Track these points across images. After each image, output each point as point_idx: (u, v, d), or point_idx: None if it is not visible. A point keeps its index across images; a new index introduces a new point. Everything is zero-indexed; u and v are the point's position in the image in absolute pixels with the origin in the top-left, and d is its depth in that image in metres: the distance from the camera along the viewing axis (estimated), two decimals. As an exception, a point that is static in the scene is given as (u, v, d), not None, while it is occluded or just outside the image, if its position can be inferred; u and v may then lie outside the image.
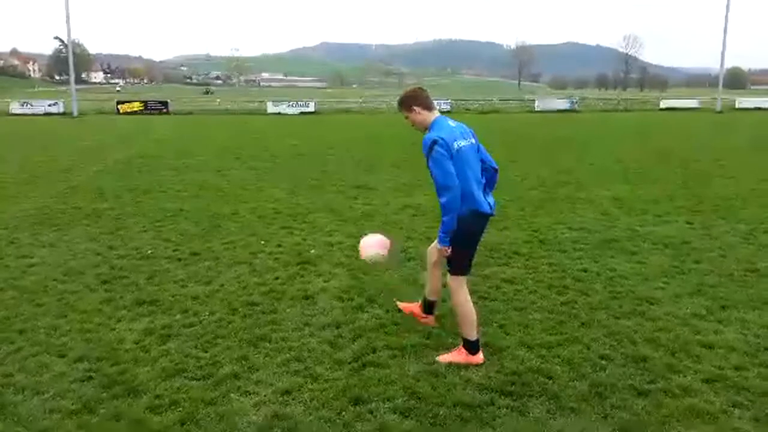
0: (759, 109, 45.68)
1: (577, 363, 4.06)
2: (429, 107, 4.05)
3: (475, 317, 4.11)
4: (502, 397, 3.65)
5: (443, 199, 3.84)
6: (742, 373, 3.92)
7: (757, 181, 11.62)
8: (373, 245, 4.57)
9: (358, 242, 4.82)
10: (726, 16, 44.29)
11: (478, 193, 4.00)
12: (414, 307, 4.82)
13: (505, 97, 60.97)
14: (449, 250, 3.98)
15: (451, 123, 4.07)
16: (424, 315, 4.71)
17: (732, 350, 4.26)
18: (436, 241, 4.14)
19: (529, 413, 3.48)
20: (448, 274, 4.16)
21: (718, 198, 9.90)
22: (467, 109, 46.14)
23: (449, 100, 47.89)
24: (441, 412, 3.48)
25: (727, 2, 43.67)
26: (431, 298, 4.64)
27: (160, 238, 7.44)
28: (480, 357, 4.08)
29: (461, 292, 4.11)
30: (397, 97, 4.19)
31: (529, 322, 4.80)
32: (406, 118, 4.11)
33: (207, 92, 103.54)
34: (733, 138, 21.97)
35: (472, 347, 4.07)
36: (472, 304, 4.15)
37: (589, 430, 3.31)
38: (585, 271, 6.10)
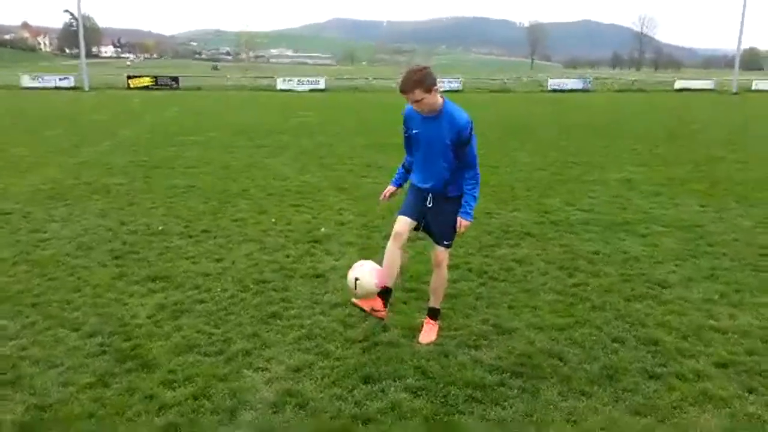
0: (775, 90, 44.97)
1: (588, 345, 4.05)
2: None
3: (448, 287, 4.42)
4: (513, 378, 3.66)
5: (475, 178, 3.98)
6: (756, 358, 3.90)
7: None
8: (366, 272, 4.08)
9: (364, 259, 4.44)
10: (745, -5, 43.38)
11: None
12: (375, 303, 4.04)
13: (517, 75, 60.27)
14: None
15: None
16: (383, 308, 4.05)
17: (746, 335, 4.23)
18: (405, 220, 4.08)
19: (540, 395, 3.48)
20: (443, 248, 4.13)
21: (731, 181, 9.78)
22: (478, 88, 45.71)
23: (459, 78, 47.43)
24: (452, 392, 3.49)
25: (746, -19, 42.72)
26: (392, 285, 4.17)
27: (171, 215, 7.46)
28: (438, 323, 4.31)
29: (447, 266, 4.27)
30: (404, 80, 3.76)
31: (539, 303, 4.79)
32: (418, 100, 3.74)
33: (214, 68, 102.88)
34: (748, 120, 21.66)
35: (437, 315, 4.27)
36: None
37: (600, 413, 3.30)
38: (596, 253, 6.06)
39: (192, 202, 8.12)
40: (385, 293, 4.03)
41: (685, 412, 3.31)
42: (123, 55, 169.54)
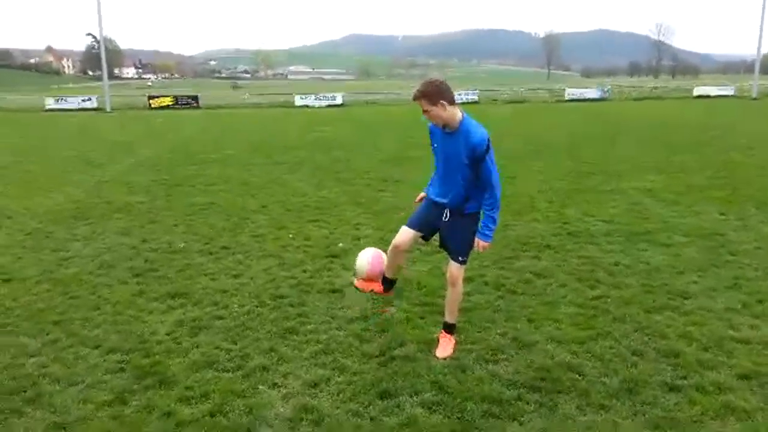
0: (798, 95, 44.25)
1: (607, 358, 4.00)
2: (453, 101, 3.91)
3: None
4: (531, 392, 3.62)
5: (494, 198, 3.92)
6: (780, 370, 3.81)
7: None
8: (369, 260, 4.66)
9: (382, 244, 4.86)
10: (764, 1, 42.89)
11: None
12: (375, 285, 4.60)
13: (534, 86, 60.14)
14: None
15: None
16: (382, 291, 4.58)
17: (769, 346, 4.14)
18: (407, 231, 4.21)
19: (558, 409, 3.44)
20: (458, 264, 4.11)
21: (752, 187, 9.63)
22: (494, 100, 45.69)
23: (476, 90, 47.46)
24: (468, 407, 3.46)
25: (765, -14, 42.26)
26: (396, 276, 4.58)
27: (191, 232, 7.55)
28: (454, 338, 4.29)
29: (462, 281, 4.24)
30: (416, 89, 3.93)
31: (559, 316, 4.74)
32: (426, 111, 3.87)
33: (234, 87, 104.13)
34: (766, 125, 21.31)
35: (453, 330, 4.26)
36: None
37: (619, 427, 3.25)
38: (617, 264, 5.99)
39: (212, 219, 8.21)
40: (387, 281, 4.48)
41: (705, 426, 3.25)
42: (144, 76, 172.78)
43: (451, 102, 3.87)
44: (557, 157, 13.80)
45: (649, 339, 4.28)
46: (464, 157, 3.85)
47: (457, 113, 3.88)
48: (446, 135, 3.95)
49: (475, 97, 44.38)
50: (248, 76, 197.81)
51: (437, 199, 4.13)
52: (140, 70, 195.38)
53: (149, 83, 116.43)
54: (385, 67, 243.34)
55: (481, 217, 4.01)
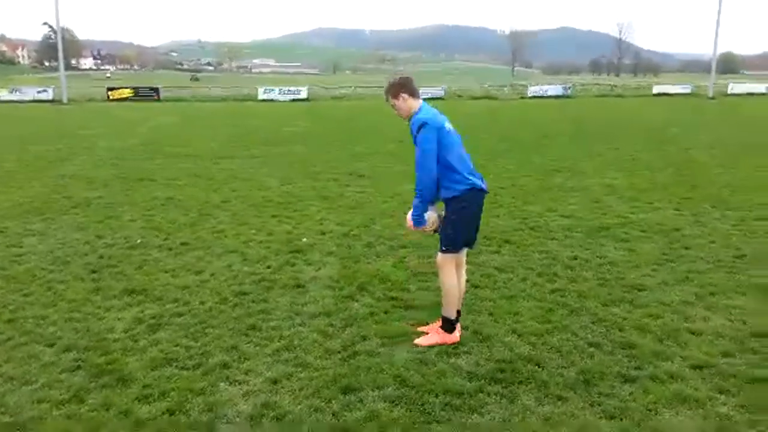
0: (751, 94, 45.83)
1: (566, 350, 4.08)
2: (415, 94, 4.10)
3: (458, 296, 4.21)
4: (492, 384, 3.67)
5: (419, 176, 3.98)
6: (730, 360, 3.95)
7: (748, 168, 11.64)
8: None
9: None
10: (719, 1, 44.19)
11: (472, 171, 4.10)
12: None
13: (499, 83, 60.74)
14: (427, 228, 4.14)
15: (434, 109, 4.16)
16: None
17: (720, 337, 4.29)
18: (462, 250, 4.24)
19: (517, 400, 3.49)
20: (439, 252, 4.16)
21: (709, 185, 9.93)
22: (460, 96, 46.00)
23: (443, 86, 47.70)
24: (430, 400, 3.49)
25: (720, -13, 43.53)
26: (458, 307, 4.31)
27: (150, 227, 7.41)
28: (456, 335, 4.20)
29: (450, 271, 4.16)
30: (384, 85, 4.22)
31: (519, 309, 4.81)
32: (393, 106, 4.15)
33: (193, 79, 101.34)
34: (725, 125, 22.02)
35: (450, 326, 4.19)
36: (458, 283, 4.20)
37: (576, 417, 3.33)
38: (575, 258, 6.12)
39: (172, 215, 8.07)
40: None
41: (659, 414, 3.34)
42: (103, 67, 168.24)
43: (412, 94, 4.08)
44: (523, 154, 13.99)
45: (606, 331, 4.38)
46: (413, 138, 4.04)
47: (415, 105, 4.08)
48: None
49: (441, 93, 44.56)
50: (211, 68, 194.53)
51: None
52: (99, 61, 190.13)
53: (108, 74, 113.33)
54: (352, 61, 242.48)
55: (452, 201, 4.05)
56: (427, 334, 4.27)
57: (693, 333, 4.35)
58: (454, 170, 4.00)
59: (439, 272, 4.21)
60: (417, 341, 4.19)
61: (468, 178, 4.03)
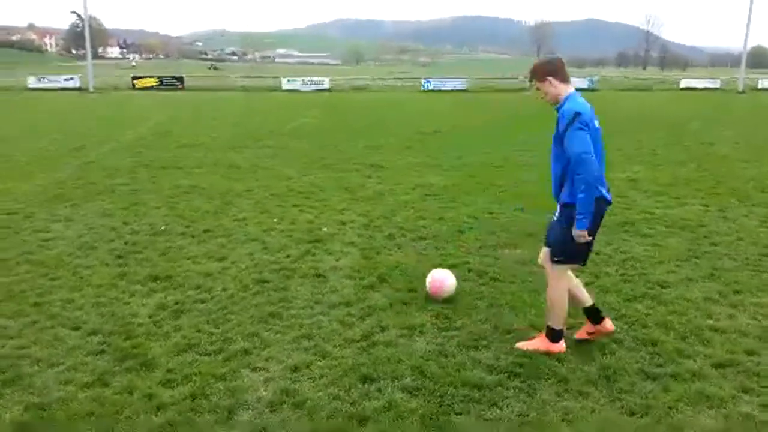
0: (782, 89, 44.77)
1: (587, 347, 4.05)
2: (565, 79, 3.74)
3: (566, 309, 3.92)
4: (511, 378, 3.66)
5: (581, 173, 3.54)
6: (754, 359, 3.89)
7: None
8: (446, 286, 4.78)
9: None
10: (751, -6, 43.12)
11: (604, 179, 3.75)
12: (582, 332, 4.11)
13: (523, 76, 60.03)
14: (586, 234, 3.64)
15: (584, 99, 3.77)
16: (593, 327, 4.05)
17: (744, 335, 4.22)
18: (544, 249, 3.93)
19: (536, 395, 3.48)
20: (549, 263, 3.87)
21: (736, 180, 9.74)
22: (484, 88, 45.63)
23: (465, 78, 47.36)
24: (449, 392, 3.49)
25: (752, -21, 42.49)
26: (588, 304, 4.04)
27: (174, 215, 7.50)
28: (562, 345, 3.93)
29: (562, 282, 3.86)
30: (532, 67, 3.83)
31: (540, 304, 4.75)
32: (537, 89, 3.80)
33: (213, 68, 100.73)
34: (754, 119, 21.55)
35: (555, 336, 3.93)
36: (566, 294, 3.90)
37: (596, 413, 3.30)
38: (598, 253, 6.02)
39: (196, 202, 8.16)
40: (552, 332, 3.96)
41: (680, 413, 3.30)
42: (129, 56, 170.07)
43: (563, 79, 3.73)
44: (547, 146, 13.85)
45: (628, 327, 4.34)
46: (556, 131, 3.71)
47: (566, 91, 3.72)
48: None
49: (464, 86, 44.26)
50: (235, 58, 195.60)
51: (554, 196, 3.91)
52: (124, 50, 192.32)
53: (133, 63, 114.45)
54: (373, 52, 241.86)
55: None
56: (533, 338, 4.03)
57: (716, 331, 4.29)
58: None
59: (549, 284, 3.91)
60: (519, 344, 3.99)
61: (601, 184, 3.69)
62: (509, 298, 4.88)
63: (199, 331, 4.27)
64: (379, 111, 24.73)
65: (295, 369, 3.75)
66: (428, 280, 4.85)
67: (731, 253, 6.01)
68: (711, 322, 4.44)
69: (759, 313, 4.59)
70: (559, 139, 3.69)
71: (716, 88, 45.50)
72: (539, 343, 3.96)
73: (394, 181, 9.82)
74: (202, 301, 4.80)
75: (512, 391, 3.52)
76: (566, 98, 3.71)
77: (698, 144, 14.38)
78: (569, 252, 3.78)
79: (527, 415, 3.29)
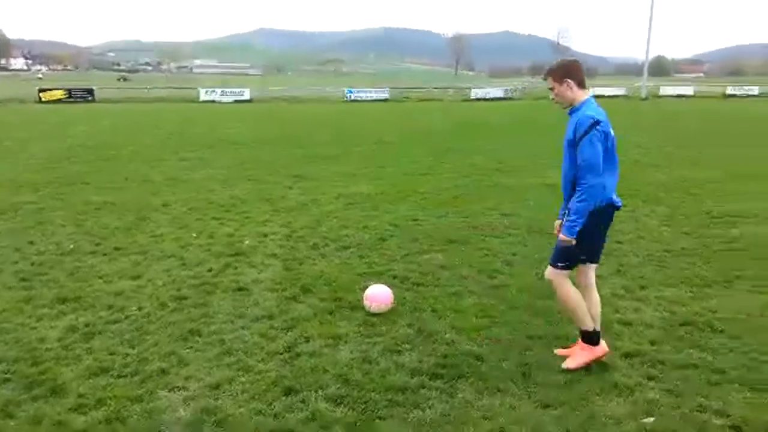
0: (680, 96, 48.18)
1: (505, 344, 4.19)
2: (582, 84, 3.71)
3: (585, 306, 3.84)
4: (433, 379, 3.73)
5: (586, 182, 3.54)
6: (658, 348, 4.15)
7: (679, 167, 12.23)
8: (382, 300, 4.77)
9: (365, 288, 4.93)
10: (651, 6, 46.29)
11: (615, 186, 3.78)
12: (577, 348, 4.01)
13: (443, 85, 61.53)
14: (574, 241, 3.64)
15: (601, 109, 3.73)
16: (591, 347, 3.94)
17: (649, 327, 4.50)
18: (587, 267, 3.87)
19: (457, 394, 3.57)
20: (549, 267, 3.85)
21: (640, 183, 10.37)
22: (406, 97, 46.34)
23: (386, 88, 47.95)
24: (373, 398, 3.52)
25: (650, -6, 45.66)
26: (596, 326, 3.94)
27: (83, 232, 7.15)
28: (603, 347, 3.87)
29: (566, 286, 3.83)
30: (551, 65, 3.81)
31: (461, 306, 4.90)
32: (551, 88, 3.75)
33: (122, 79, 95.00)
34: (659, 125, 23.03)
35: (592, 338, 3.85)
36: (578, 294, 3.84)
37: (515, 408, 3.42)
38: (515, 254, 6.28)
39: (107, 219, 7.80)
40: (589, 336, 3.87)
41: (592, 402, 3.48)
42: (35, 67, 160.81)
43: (580, 83, 3.70)
44: (467, 154, 14.23)
45: (544, 324, 4.53)
46: (569, 136, 3.67)
47: (582, 96, 3.69)
48: (568, 122, 3.76)
49: (386, 95, 44.79)
50: (150, 69, 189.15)
51: (564, 201, 3.89)
52: (30, 61, 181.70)
53: (39, 75, 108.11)
54: (297, 62, 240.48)
55: None
56: (571, 356, 3.91)
57: (624, 324, 4.55)
58: (608, 181, 3.66)
59: (555, 289, 3.86)
60: (566, 364, 3.85)
61: (612, 191, 3.70)
62: (432, 302, 4.97)
63: (112, 353, 4.09)
64: (302, 121, 24.61)
65: (216, 386, 3.66)
66: (369, 302, 4.77)
67: (635, 250, 6.39)
68: (619, 315, 4.71)
69: (662, 306, 4.91)
70: (573, 144, 3.64)
71: (622, 96, 48.32)
72: (580, 353, 3.87)
73: (317, 191, 9.80)
74: (116, 322, 4.59)
75: (435, 392, 3.59)
76: (583, 103, 3.69)
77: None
78: (573, 256, 3.77)
79: (449, 415, 3.36)
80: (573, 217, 3.60)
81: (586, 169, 3.54)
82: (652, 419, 3.31)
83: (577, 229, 3.60)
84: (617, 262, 6.01)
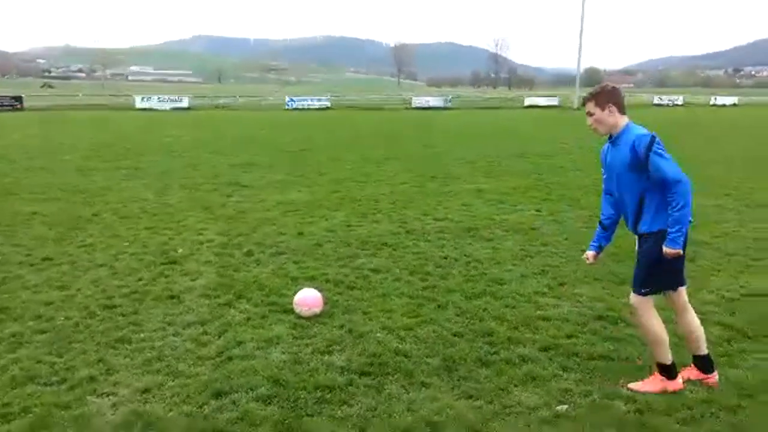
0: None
1: (431, 341, 4.39)
2: (622, 109, 3.63)
3: (667, 338, 3.70)
4: (362, 377, 3.87)
5: (677, 189, 3.39)
6: (573, 341, 4.43)
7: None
8: (312, 304, 4.87)
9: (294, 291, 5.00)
10: (582, 19, 48.35)
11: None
12: (688, 372, 3.84)
13: (385, 94, 62.22)
14: (681, 252, 3.49)
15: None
16: (706, 375, 3.81)
17: (566, 321, 4.79)
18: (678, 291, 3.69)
19: (384, 390, 3.72)
20: (632, 293, 3.71)
21: (566, 188, 10.90)
22: (349, 107, 46.58)
23: (329, 96, 48.07)
24: (302, 396, 3.63)
25: (582, 7, 47.70)
26: (702, 352, 3.80)
27: (11, 244, 6.94)
28: (679, 382, 3.72)
29: (650, 316, 3.68)
30: (591, 91, 3.72)
31: (391, 307, 5.08)
32: (590, 113, 3.67)
33: (46, 86, 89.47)
34: (587, 133, 24.01)
35: (669, 372, 3.72)
36: (662, 327, 3.69)
37: (438, 401, 3.61)
38: (446, 257, 6.52)
39: (36, 230, 7.60)
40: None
41: (510, 393, 3.70)
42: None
43: (621, 110, 3.63)
44: (405, 162, 14.52)
45: (469, 321, 4.76)
46: (627, 160, 3.53)
47: (623, 121, 3.63)
48: (612, 149, 3.68)
49: (328, 103, 44.89)
50: (83, 75, 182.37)
51: (630, 230, 3.78)
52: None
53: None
54: (237, 70, 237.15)
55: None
56: (645, 380, 3.79)
57: (544, 319, 4.83)
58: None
59: (635, 317, 3.79)
60: (633, 385, 3.74)
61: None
62: (363, 305, 5.13)
63: (39, 362, 4.05)
64: (242, 129, 24.40)
65: (146, 391, 3.69)
66: (300, 307, 4.88)
67: (559, 252, 6.75)
68: (539, 312, 4.99)
69: (578, 302, 5.23)
70: (637, 166, 3.51)
71: (555, 106, 50.16)
72: (653, 382, 3.75)
73: (255, 198, 9.81)
74: (43, 332, 4.53)
75: (362, 388, 3.74)
76: (626, 127, 3.62)
77: (540, 156, 15.83)
78: (658, 280, 3.65)
79: (375, 409, 3.51)
80: (675, 228, 3.44)
81: (674, 180, 3.40)
82: (565, 407, 3.56)
83: (682, 239, 3.48)
84: (542, 262, 6.34)
